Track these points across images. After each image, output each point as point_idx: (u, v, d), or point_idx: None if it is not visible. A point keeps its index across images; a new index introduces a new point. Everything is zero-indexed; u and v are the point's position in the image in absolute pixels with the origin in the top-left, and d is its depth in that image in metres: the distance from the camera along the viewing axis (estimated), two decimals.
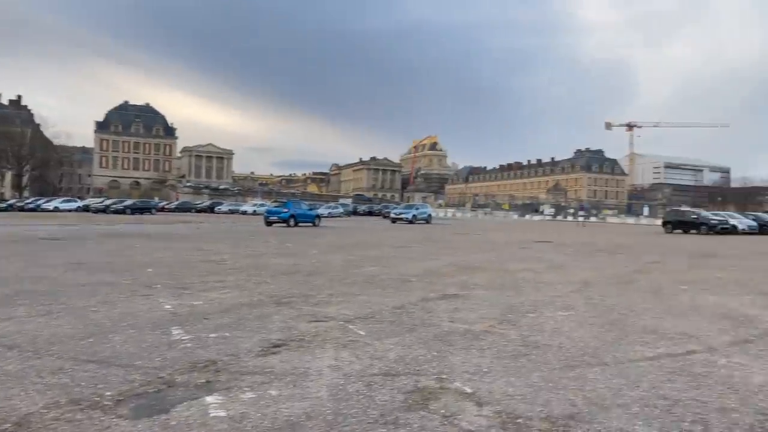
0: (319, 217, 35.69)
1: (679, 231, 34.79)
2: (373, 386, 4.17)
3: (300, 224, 32.97)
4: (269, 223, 32.31)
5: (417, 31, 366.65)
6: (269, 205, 36.26)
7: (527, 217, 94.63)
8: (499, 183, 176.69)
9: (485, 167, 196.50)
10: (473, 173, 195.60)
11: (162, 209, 68.63)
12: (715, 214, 37.26)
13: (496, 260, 14.78)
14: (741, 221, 35.92)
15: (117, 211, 53.29)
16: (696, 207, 66.47)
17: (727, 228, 33.66)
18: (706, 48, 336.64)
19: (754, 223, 36.32)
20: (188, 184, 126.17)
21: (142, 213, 54.56)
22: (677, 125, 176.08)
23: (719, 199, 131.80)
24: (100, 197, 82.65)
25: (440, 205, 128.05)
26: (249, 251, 15.77)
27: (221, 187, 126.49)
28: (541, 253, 17.82)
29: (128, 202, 59.32)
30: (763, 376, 4.67)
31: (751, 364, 5.01)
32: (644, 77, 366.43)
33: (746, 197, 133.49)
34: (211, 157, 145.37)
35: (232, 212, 69.48)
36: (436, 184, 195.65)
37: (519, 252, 17.99)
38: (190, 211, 71.82)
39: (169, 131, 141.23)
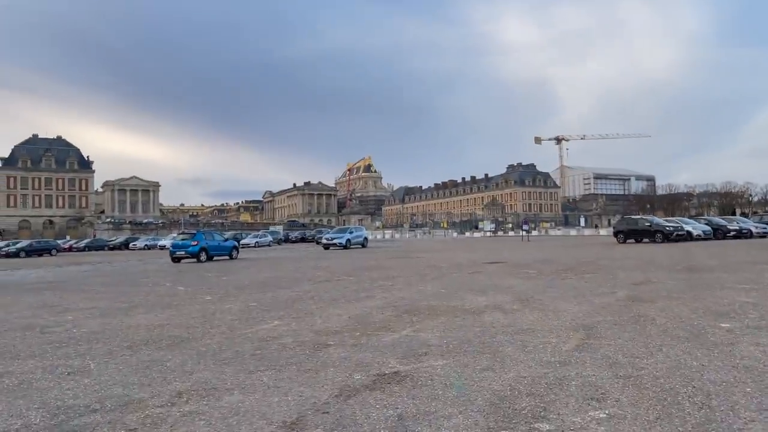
0: (236, 248, 30.91)
1: (632, 240, 32.33)
2: None
3: (215, 258, 28.44)
4: (176, 259, 27.48)
5: (342, 56, 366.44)
6: (176, 238, 31.27)
7: (467, 234, 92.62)
8: (436, 201, 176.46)
9: (421, 186, 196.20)
10: (409, 193, 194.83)
11: (69, 249, 61.68)
12: (668, 221, 35.10)
13: (446, 293, 11.29)
14: (695, 227, 33.85)
15: (9, 255, 46.36)
16: (626, 215, 65.89)
17: (682, 235, 31.37)
18: (622, 63, 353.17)
19: (708, 228, 34.31)
20: (107, 219, 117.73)
21: (40, 255, 47.81)
22: (602, 137, 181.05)
23: (648, 206, 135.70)
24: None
25: (378, 227, 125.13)
26: (118, 303, 11.58)
27: (145, 221, 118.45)
28: (498, 278, 14.46)
29: (23, 243, 52.03)
30: None
31: None
32: (567, 93, 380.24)
33: (672, 203, 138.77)
34: (135, 190, 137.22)
35: (148, 247, 63.04)
36: (372, 206, 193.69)
37: (471, 278, 14.57)
38: (102, 249, 64.85)
39: (85, 164, 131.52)
